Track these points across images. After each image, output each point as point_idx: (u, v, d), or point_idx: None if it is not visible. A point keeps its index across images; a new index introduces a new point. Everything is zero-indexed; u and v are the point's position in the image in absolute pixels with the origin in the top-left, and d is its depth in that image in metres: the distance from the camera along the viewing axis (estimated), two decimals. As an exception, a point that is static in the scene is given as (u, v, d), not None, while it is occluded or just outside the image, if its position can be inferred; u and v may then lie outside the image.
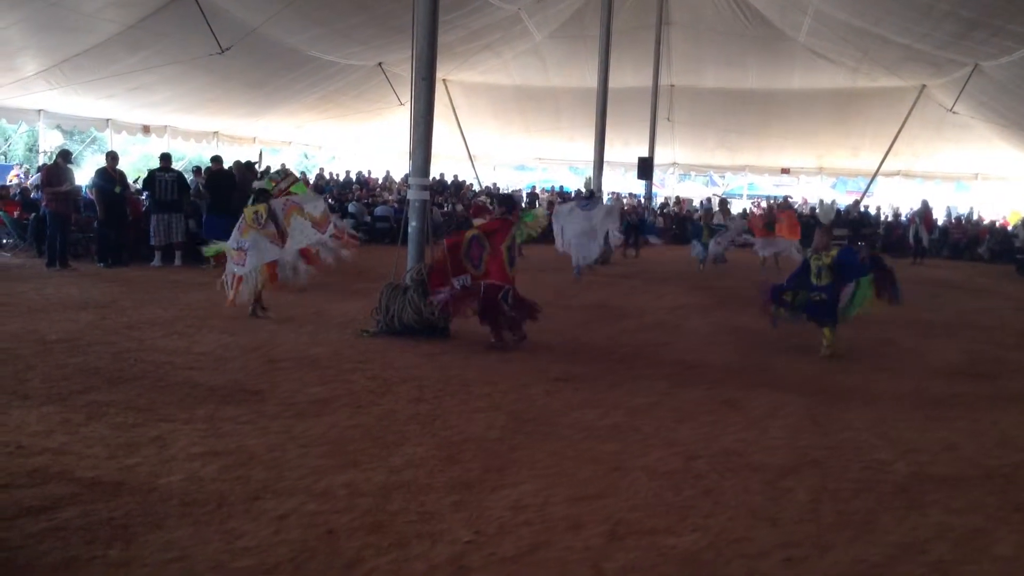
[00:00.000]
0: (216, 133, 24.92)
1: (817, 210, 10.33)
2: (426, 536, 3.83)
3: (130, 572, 3.39)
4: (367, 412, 5.81)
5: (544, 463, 4.90)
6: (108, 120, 21.32)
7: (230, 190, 13.80)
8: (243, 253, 9.00)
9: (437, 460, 4.85)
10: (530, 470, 4.77)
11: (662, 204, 29.27)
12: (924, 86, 24.40)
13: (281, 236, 9.07)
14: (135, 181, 15.63)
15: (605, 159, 20.82)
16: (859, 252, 8.75)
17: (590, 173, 20.79)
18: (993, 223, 26.26)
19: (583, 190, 18.69)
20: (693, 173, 35.79)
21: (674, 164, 32.00)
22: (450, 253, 8.25)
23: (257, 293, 9.21)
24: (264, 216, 9.02)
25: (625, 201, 23.79)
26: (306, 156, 35.39)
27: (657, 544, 3.86)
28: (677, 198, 31.04)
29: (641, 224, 21.14)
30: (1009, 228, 25.07)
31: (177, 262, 13.62)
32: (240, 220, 9.23)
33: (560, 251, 15.48)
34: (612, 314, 10.94)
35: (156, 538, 3.68)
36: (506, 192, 9.34)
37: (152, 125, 22.67)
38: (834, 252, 8.53)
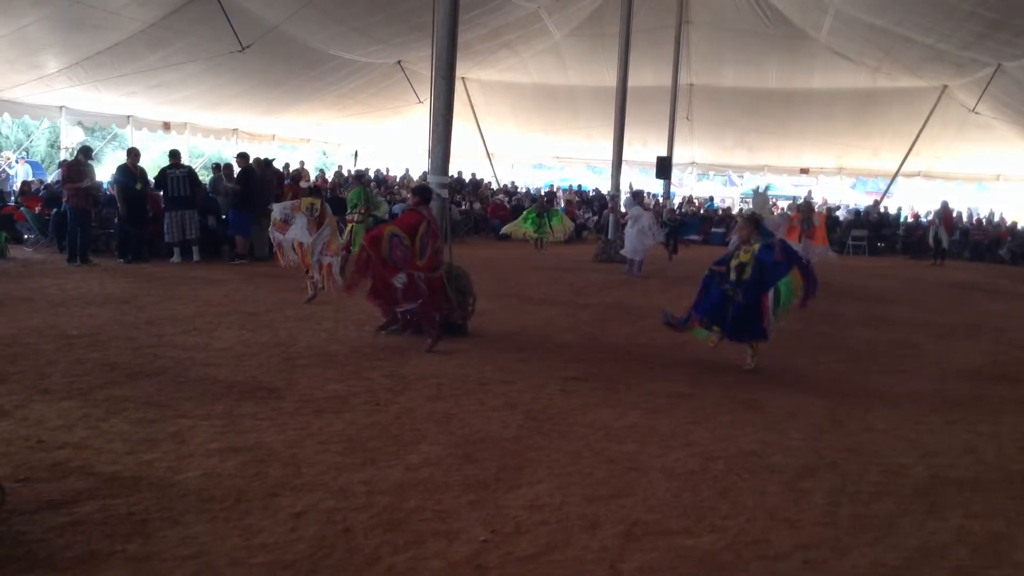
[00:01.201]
0: (236, 130, 25.05)
1: (751, 199, 9.97)
2: (443, 534, 3.83)
3: (149, 567, 3.41)
4: (385, 410, 5.82)
5: (561, 463, 4.89)
6: (129, 117, 21.44)
7: (254, 186, 13.94)
8: (286, 226, 9.96)
9: (454, 459, 4.86)
10: (547, 469, 4.77)
11: (679, 203, 29.16)
12: (946, 86, 24.18)
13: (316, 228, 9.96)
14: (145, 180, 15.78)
15: (624, 158, 20.74)
16: (774, 248, 7.66)
17: (610, 173, 20.75)
18: (1015, 224, 26.01)
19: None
20: (712, 173, 35.64)
21: (693, 163, 31.88)
22: (371, 246, 7.84)
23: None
24: (317, 209, 9.92)
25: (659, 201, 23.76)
26: (324, 153, 35.48)
27: (674, 545, 3.85)
28: (690, 197, 30.91)
29: (682, 226, 21.09)
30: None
31: (195, 257, 13.71)
32: (297, 200, 10.46)
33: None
34: (630, 314, 10.91)
35: (174, 533, 3.70)
36: (422, 183, 9.62)
37: (172, 122, 22.80)
38: (756, 247, 7.61)
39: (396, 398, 6.15)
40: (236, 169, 14.82)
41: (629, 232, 15.61)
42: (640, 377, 7.22)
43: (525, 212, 20.11)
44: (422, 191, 8.57)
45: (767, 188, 9.92)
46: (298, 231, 9.84)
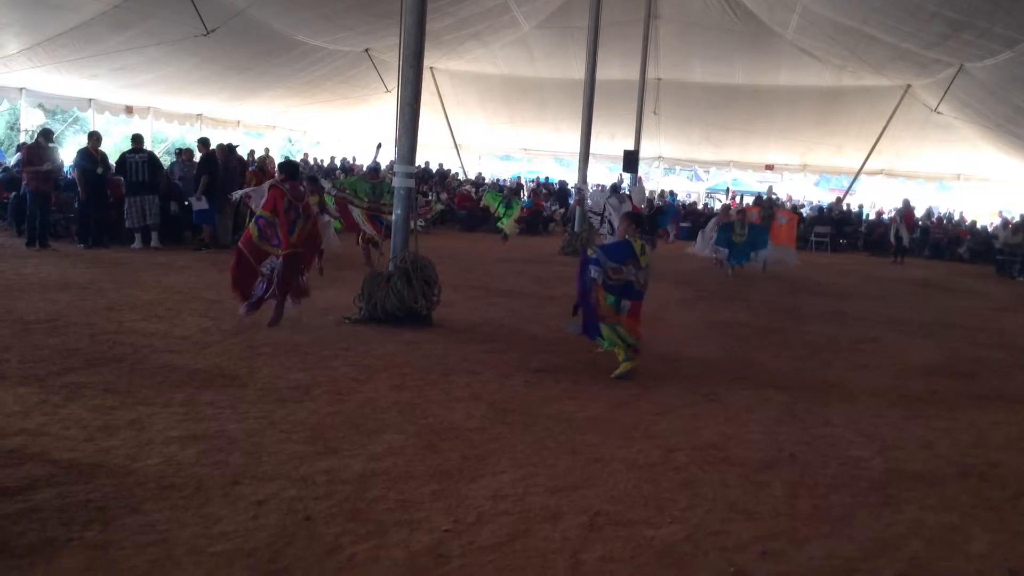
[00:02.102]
0: (200, 115, 24.73)
1: (628, 191, 9.71)
2: (405, 524, 3.83)
3: (107, 555, 3.37)
4: (348, 399, 5.80)
5: (524, 453, 4.91)
6: (91, 100, 21.09)
7: (216, 172, 13.80)
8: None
9: (417, 448, 4.85)
10: (510, 460, 4.78)
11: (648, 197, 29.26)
12: (909, 86, 24.51)
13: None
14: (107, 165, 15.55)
15: (591, 151, 20.78)
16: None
17: (577, 165, 20.74)
18: (974, 223, 26.49)
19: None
20: (678, 167, 35.84)
21: (659, 158, 32.01)
22: (248, 250, 7.96)
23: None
24: (315, 205, 10.20)
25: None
26: (290, 141, 35.18)
27: (635, 535, 3.88)
28: (661, 191, 31.01)
29: (659, 214, 19.93)
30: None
31: (154, 243, 13.53)
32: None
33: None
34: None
35: (133, 521, 3.66)
36: (290, 159, 10.04)
37: (135, 106, 22.46)
38: (639, 245, 7.06)
39: (360, 387, 6.13)
40: (197, 155, 14.63)
41: (602, 230, 15.21)
42: (603, 369, 7.24)
43: (489, 195, 20.11)
44: (285, 167, 8.62)
45: (640, 179, 10.18)
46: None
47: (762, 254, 15.89)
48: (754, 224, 16.11)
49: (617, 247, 7.15)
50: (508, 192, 21.10)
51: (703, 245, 17.15)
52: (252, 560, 3.41)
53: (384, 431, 5.14)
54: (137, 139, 14.05)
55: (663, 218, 19.91)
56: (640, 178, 11.74)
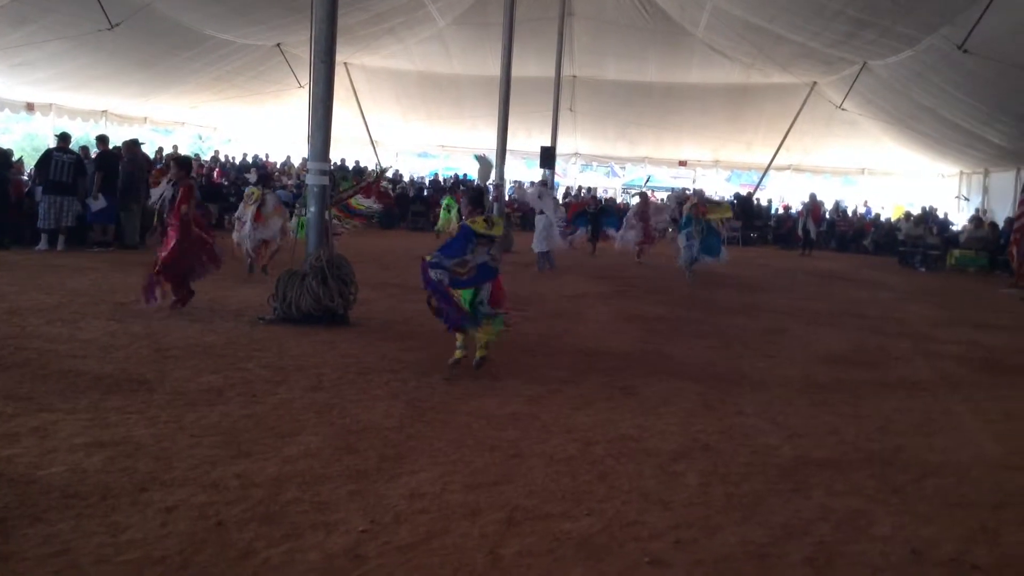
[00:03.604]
0: (105, 112, 23.97)
1: (478, 167, 9.58)
2: (321, 526, 3.77)
3: (9, 567, 3.24)
4: (262, 401, 5.68)
5: (442, 451, 4.89)
6: (-11, 97, 20.27)
7: (116, 171, 13.38)
8: (241, 223, 11.39)
9: (333, 449, 4.79)
10: (428, 458, 4.76)
11: (564, 193, 29.45)
12: (815, 83, 25.28)
13: (260, 218, 11.22)
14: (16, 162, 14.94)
15: (508, 148, 20.84)
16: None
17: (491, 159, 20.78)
18: (877, 216, 27.45)
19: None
20: (595, 163, 36.21)
21: (576, 154, 32.34)
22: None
23: (255, 255, 11.43)
24: (255, 197, 11.39)
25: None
26: (200, 138, 34.33)
27: (552, 529, 3.90)
28: (588, 189, 31.16)
29: (602, 213, 19.42)
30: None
31: (60, 247, 13.02)
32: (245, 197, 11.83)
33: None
34: (514, 302, 10.94)
35: (36, 531, 3.52)
36: (184, 155, 10.65)
37: (37, 103, 21.65)
38: (480, 225, 6.79)
39: (274, 389, 6.02)
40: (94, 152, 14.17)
41: (537, 224, 15.28)
42: (523, 365, 7.29)
43: (446, 202, 20.15)
44: (180, 161, 9.66)
45: (484, 156, 10.21)
46: (246, 224, 11.23)
47: (710, 260, 14.45)
48: (711, 224, 14.55)
49: (454, 241, 6.94)
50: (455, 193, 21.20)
51: (625, 235, 17.35)
52: (161, 568, 3.31)
53: (300, 433, 5.05)
54: (64, 138, 13.52)
55: (608, 219, 19.03)
56: (483, 156, 11.67)
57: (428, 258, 6.74)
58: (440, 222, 20.85)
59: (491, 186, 19.55)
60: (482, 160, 9.99)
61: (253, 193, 11.67)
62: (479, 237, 6.69)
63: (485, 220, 6.84)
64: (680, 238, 14.79)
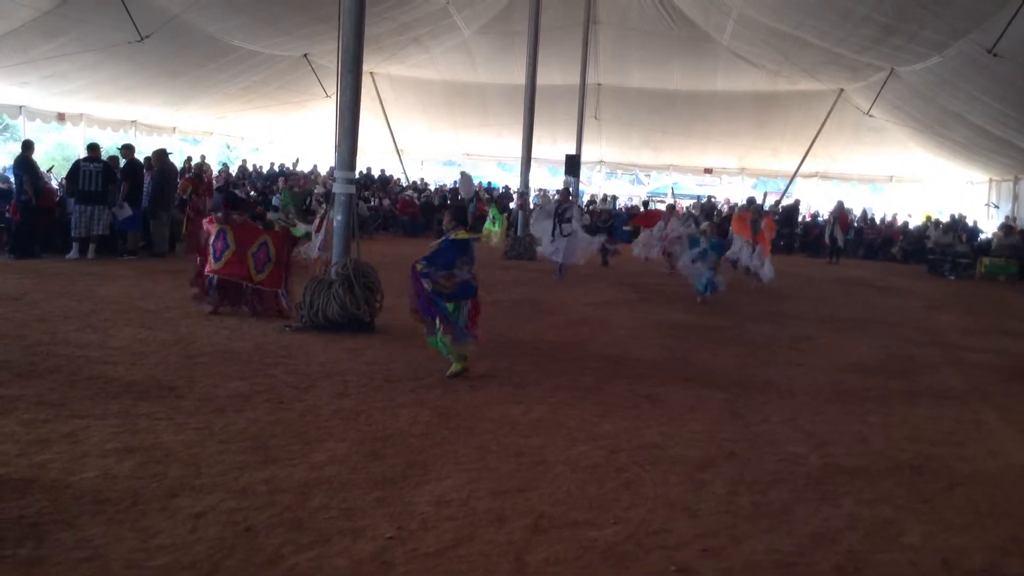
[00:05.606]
0: (134, 122, 24.24)
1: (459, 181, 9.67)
2: (348, 532, 3.79)
3: (42, 571, 3.29)
4: (289, 408, 5.73)
5: (468, 458, 4.91)
6: (21, 107, 20.54)
7: (141, 180, 13.61)
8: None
9: (360, 456, 4.82)
10: (454, 465, 4.77)
11: (588, 201, 29.41)
12: (842, 90, 25.07)
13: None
14: (49, 170, 15.13)
15: (533, 156, 20.87)
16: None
17: (519, 170, 20.77)
18: (906, 224, 27.17)
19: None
20: (619, 171, 36.14)
21: (601, 162, 32.28)
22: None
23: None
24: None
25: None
26: (228, 147, 34.64)
27: (579, 537, 3.90)
28: (605, 196, 31.11)
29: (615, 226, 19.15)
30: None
31: (91, 255, 13.17)
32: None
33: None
34: (538, 309, 11.00)
35: (68, 536, 3.57)
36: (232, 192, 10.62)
37: (68, 113, 21.94)
38: (462, 234, 7.11)
39: (301, 396, 6.06)
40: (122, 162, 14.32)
41: (566, 236, 14.36)
42: (547, 372, 7.29)
43: (492, 213, 20.11)
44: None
45: (464, 173, 10.17)
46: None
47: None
48: (719, 241, 13.55)
49: (440, 252, 7.01)
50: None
51: (648, 247, 17.19)
52: (191, 573, 3.35)
53: (326, 439, 5.09)
54: (93, 148, 13.67)
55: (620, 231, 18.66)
56: (464, 172, 11.54)
57: (419, 267, 6.91)
58: (484, 232, 20.43)
59: (514, 193, 19.50)
60: (463, 176, 10.03)
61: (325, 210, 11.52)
62: (459, 253, 6.94)
63: (465, 231, 7.18)
64: (684, 258, 13.60)
